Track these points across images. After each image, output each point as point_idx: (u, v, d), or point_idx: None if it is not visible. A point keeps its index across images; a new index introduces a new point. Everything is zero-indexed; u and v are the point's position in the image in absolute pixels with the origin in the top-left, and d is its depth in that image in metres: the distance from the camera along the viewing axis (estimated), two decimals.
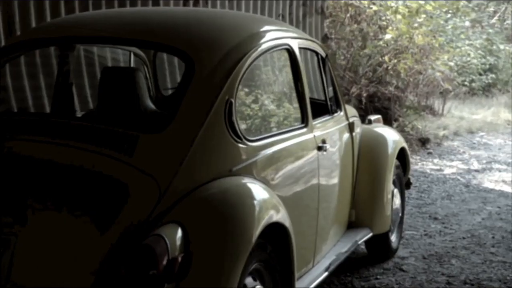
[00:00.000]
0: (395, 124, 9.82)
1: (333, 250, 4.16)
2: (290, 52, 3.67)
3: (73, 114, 3.77)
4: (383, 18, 10.19)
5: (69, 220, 2.69)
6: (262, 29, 3.58)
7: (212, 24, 3.44)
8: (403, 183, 5.33)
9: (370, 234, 4.63)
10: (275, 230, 3.07)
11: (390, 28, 9.96)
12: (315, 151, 3.76)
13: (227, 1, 8.21)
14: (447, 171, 8.74)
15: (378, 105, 10.18)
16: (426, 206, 6.94)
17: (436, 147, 10.12)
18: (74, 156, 2.85)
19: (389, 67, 9.63)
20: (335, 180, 4.16)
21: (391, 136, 5.15)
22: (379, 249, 5.00)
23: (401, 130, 9.82)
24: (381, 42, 9.90)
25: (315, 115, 4.04)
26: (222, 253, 2.71)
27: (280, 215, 3.10)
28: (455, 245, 5.58)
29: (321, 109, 4.25)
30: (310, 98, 4.45)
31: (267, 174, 3.25)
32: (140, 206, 2.72)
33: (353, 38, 10.28)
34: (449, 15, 14.10)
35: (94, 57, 5.82)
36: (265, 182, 3.19)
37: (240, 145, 3.09)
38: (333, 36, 10.34)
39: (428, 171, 8.66)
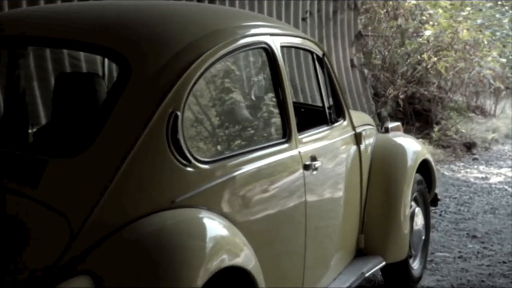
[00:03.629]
0: (436, 128, 9.02)
1: (333, 285, 3.50)
2: (269, 51, 3.04)
3: (23, 130, 3.21)
4: (424, 12, 9.40)
5: None
6: (231, 25, 2.95)
7: (164, 18, 2.83)
8: (427, 201, 4.61)
9: (383, 263, 3.95)
10: (236, 274, 2.46)
11: (430, 23, 9.16)
12: (301, 171, 3.10)
13: (247, 0, 7.63)
14: (494, 179, 7.90)
15: (418, 107, 9.40)
16: (464, 222, 6.16)
17: (483, 152, 9.26)
18: None
19: (429, 66, 8.84)
20: (332, 203, 3.50)
21: (411, 146, 4.44)
22: (397, 278, 4.30)
23: (443, 134, 9.04)
24: (420, 39, 9.12)
25: (308, 126, 3.41)
26: None
27: (241, 257, 2.48)
28: (492, 271, 4.82)
29: (318, 118, 3.60)
30: (304, 105, 3.82)
31: (228, 203, 2.63)
32: (43, 252, 2.14)
33: (391, 35, 9.53)
34: (506, 7, 13.15)
35: None
36: (224, 214, 2.57)
37: (189, 168, 2.48)
38: (369, 33, 9.62)
39: (471, 179, 7.84)
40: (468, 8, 9.46)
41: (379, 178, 4.10)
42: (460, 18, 9.08)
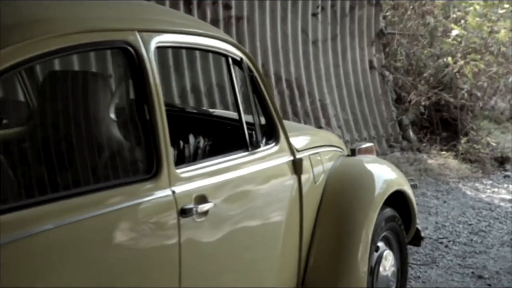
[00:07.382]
0: (463, 140, 7.99)
1: None
2: (131, 54, 2.22)
3: None
4: (454, 9, 8.38)
5: None
6: (64, 15, 2.14)
7: None
8: (403, 241, 3.72)
9: None
10: None
11: (462, 21, 8.15)
12: (174, 218, 2.27)
13: None
14: None
15: (446, 115, 8.38)
16: (473, 256, 5.19)
17: None
18: None
19: (456, 70, 7.83)
20: (237, 257, 2.66)
21: (382, 174, 3.58)
22: None
23: (471, 146, 8.00)
24: (449, 40, 8.11)
25: (214, 153, 2.60)
26: None
27: None
28: None
29: (236, 142, 2.78)
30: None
31: (22, 278, 1.83)
32: None
33: (419, 34, 8.53)
34: None
35: None
36: None
37: None
38: (395, 32, 8.65)
39: (496, 201, 6.80)
40: (507, 6, 8.38)
41: (331, 216, 3.24)
42: (494, 17, 8.03)
